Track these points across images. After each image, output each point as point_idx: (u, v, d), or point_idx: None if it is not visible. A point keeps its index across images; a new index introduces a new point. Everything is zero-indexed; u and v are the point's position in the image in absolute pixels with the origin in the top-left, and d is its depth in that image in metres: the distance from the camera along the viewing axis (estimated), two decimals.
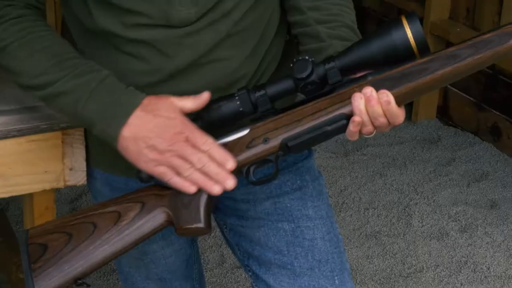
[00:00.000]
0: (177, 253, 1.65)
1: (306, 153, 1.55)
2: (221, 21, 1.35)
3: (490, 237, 2.88)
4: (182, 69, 1.36)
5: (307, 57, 1.28)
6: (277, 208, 1.51)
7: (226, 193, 1.51)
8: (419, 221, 2.98)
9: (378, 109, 1.25)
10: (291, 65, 1.29)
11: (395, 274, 2.71)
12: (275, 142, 1.29)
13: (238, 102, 1.29)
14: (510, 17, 3.27)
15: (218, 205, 1.58)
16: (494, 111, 3.42)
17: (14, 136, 1.43)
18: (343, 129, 1.28)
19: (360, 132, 1.28)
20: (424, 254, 2.80)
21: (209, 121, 1.30)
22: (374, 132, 1.28)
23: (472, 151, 3.45)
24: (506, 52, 1.24)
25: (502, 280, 2.67)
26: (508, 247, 2.83)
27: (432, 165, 3.34)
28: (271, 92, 1.30)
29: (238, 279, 2.67)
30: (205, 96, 1.30)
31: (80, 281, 1.31)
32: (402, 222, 2.97)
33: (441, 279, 2.68)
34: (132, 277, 1.69)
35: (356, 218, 3.00)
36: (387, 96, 1.25)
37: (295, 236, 1.51)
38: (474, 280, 2.67)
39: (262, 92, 1.30)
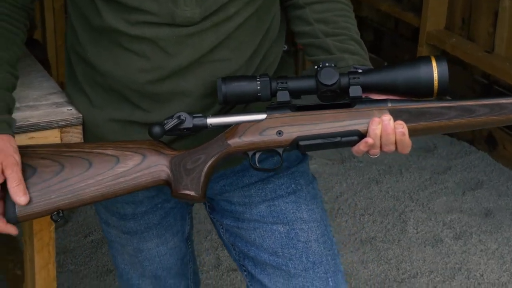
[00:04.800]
0: (172, 251, 1.68)
1: (300, 157, 1.58)
2: (223, 24, 1.39)
3: (484, 245, 2.91)
4: (182, 67, 1.40)
5: (333, 65, 1.34)
6: (272, 211, 1.54)
7: (222, 196, 1.55)
8: (414, 228, 3.00)
9: (391, 138, 1.32)
10: (316, 67, 1.35)
11: (389, 279, 2.73)
12: (288, 137, 1.34)
13: (258, 87, 1.34)
14: (504, 29, 3.31)
15: (214, 205, 1.61)
16: None
17: (14, 133, 1.45)
18: (353, 144, 1.35)
19: (367, 151, 1.34)
20: (419, 260, 2.82)
21: (226, 96, 1.34)
22: (378, 155, 1.34)
23: (467, 160, 3.48)
24: None
25: (495, 287, 2.70)
26: (502, 254, 2.85)
27: (427, 173, 3.37)
28: (292, 86, 1.35)
29: (234, 282, 2.69)
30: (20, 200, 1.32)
31: (61, 214, 1.33)
32: (397, 229, 3.00)
33: (435, 285, 2.70)
34: (127, 274, 1.71)
35: (352, 224, 3.03)
36: (403, 127, 1.32)
37: (289, 238, 1.54)
38: (467, 287, 2.70)
39: (283, 83, 1.35)
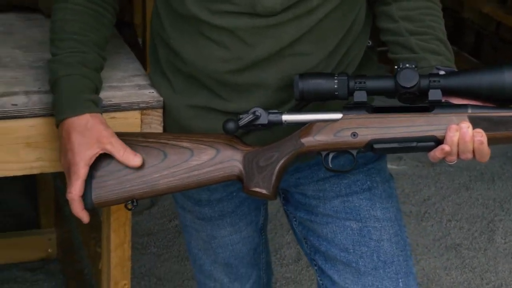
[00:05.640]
0: (245, 241, 1.68)
1: (377, 155, 1.55)
2: (304, 17, 1.37)
3: None
4: (262, 59, 1.39)
5: (413, 66, 1.31)
6: (345, 206, 1.53)
7: (297, 188, 1.54)
8: (502, 238, 2.92)
9: (469, 146, 1.28)
10: (396, 68, 1.32)
11: None
12: (362, 139, 1.33)
13: (335, 86, 1.32)
14: None
15: (288, 197, 1.60)
16: None
17: None
18: (429, 149, 1.32)
19: (443, 158, 1.30)
20: (504, 271, 2.75)
21: (302, 92, 1.33)
22: (455, 162, 1.31)
23: None
24: None
25: None
26: None
27: None
28: (370, 86, 1.33)
29: (313, 277, 2.68)
30: (135, 162, 1.35)
31: (135, 203, 1.36)
32: (484, 237, 2.92)
33: None
34: (200, 260, 1.72)
35: (437, 229, 2.97)
36: (482, 136, 1.28)
37: (361, 236, 1.52)
38: None
39: (361, 82, 1.33)
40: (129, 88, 1.56)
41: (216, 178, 1.36)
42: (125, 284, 1.67)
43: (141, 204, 2.99)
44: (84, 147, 1.34)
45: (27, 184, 2.99)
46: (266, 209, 1.73)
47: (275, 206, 2.95)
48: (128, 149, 1.35)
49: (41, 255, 2.62)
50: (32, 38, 1.73)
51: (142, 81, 1.58)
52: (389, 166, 3.34)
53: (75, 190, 1.34)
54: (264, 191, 1.35)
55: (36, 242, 2.62)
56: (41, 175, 2.60)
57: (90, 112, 1.37)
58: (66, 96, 1.38)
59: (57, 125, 1.38)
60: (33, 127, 1.46)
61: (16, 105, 1.46)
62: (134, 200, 1.36)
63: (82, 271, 2.55)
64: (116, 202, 1.36)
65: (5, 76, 1.56)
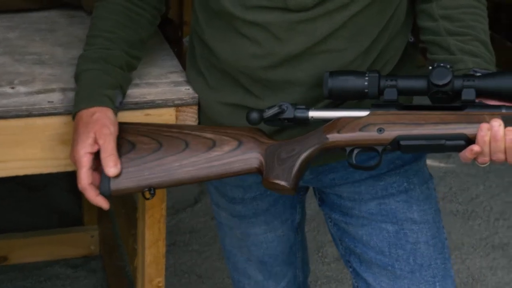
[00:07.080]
0: (280, 239, 1.66)
1: (416, 155, 1.52)
2: (337, 12, 1.35)
3: None
4: (294, 55, 1.37)
5: (448, 66, 1.28)
6: (381, 209, 1.50)
7: (332, 189, 1.52)
8: None
9: (501, 145, 1.24)
10: (430, 68, 1.29)
11: None
12: (389, 135, 1.29)
13: (366, 83, 1.30)
14: None
15: (324, 198, 1.58)
16: None
17: (130, 109, 1.48)
18: (460, 149, 1.27)
19: (474, 159, 1.26)
20: None
21: (331, 90, 1.31)
22: (488, 163, 1.26)
23: None
24: None
25: None
26: None
27: None
28: (402, 85, 1.30)
29: None
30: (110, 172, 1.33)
31: (153, 192, 1.34)
32: None
33: None
34: (234, 257, 1.71)
35: (485, 228, 2.92)
36: None
37: (397, 238, 1.49)
38: None
39: (392, 81, 1.30)
40: (165, 85, 1.55)
41: (236, 170, 1.34)
42: (159, 282, 1.67)
43: (184, 201, 3.00)
44: (85, 136, 1.33)
45: (72, 182, 3.02)
46: (303, 207, 1.70)
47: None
48: (114, 156, 1.32)
49: (84, 252, 2.64)
50: (74, 35, 1.74)
51: (178, 77, 1.58)
52: (437, 164, 3.30)
53: (82, 179, 1.34)
54: (283, 183, 1.31)
55: (79, 239, 2.64)
56: None
57: (100, 105, 1.35)
58: (83, 90, 1.38)
59: (73, 118, 1.38)
60: (68, 124, 1.46)
61: (52, 102, 1.47)
62: (152, 188, 1.34)
63: (123, 268, 2.56)
64: (134, 190, 1.35)
65: (43, 73, 1.57)
